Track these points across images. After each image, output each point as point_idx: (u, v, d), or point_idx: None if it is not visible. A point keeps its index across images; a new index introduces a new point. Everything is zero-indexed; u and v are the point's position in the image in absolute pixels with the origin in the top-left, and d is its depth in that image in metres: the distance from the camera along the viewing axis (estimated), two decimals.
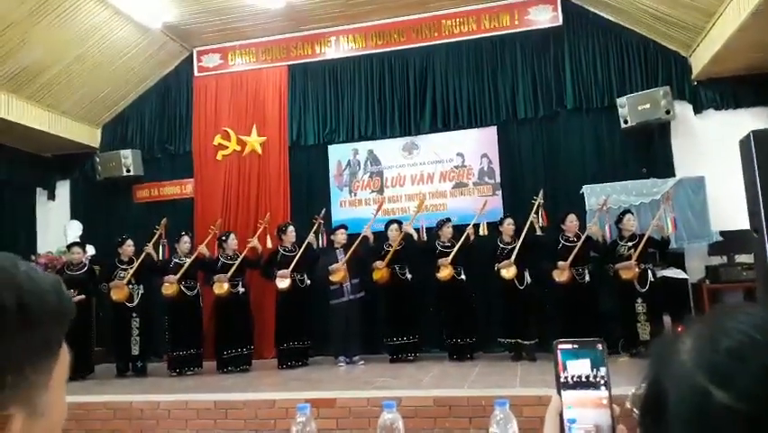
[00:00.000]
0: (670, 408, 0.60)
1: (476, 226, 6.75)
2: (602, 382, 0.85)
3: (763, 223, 3.38)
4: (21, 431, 0.53)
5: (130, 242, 7.01)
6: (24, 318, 0.53)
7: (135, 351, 6.76)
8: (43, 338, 0.55)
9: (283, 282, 6.72)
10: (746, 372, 0.56)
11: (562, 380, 0.85)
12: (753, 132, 3.47)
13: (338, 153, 8.09)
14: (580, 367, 0.86)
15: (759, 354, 0.56)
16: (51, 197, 9.00)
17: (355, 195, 8.00)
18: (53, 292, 0.58)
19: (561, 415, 0.84)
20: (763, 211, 3.37)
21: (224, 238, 7.02)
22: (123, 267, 6.86)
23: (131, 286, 6.82)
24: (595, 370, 0.86)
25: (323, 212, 7.19)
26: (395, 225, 6.99)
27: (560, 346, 0.87)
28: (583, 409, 0.84)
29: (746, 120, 6.78)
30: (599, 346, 0.87)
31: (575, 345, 0.88)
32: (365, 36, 8.06)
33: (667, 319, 6.31)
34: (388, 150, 7.93)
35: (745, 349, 0.57)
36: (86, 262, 7.15)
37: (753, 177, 3.43)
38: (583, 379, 0.85)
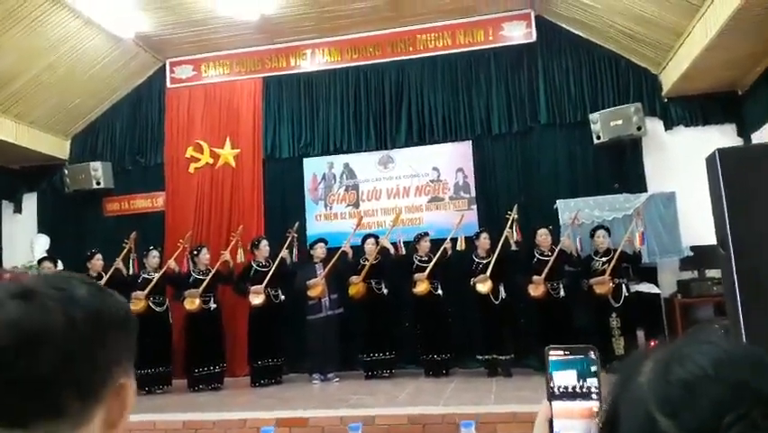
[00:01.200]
0: (621, 431, 0.61)
1: (453, 241, 6.74)
2: (593, 391, 0.82)
3: (730, 240, 3.40)
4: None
5: (99, 256, 6.85)
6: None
7: None
8: (133, 337, 0.80)
9: (257, 298, 6.62)
10: (693, 405, 0.56)
11: (551, 390, 0.83)
12: (718, 150, 3.50)
13: (313, 166, 8.03)
14: (566, 378, 0.83)
15: (708, 390, 0.56)
16: (18, 210, 8.76)
17: (331, 208, 7.94)
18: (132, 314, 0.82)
19: (551, 422, 0.81)
20: (729, 228, 3.40)
21: (195, 252, 6.90)
22: None
23: None
24: (582, 380, 0.83)
25: (296, 226, 7.11)
26: (371, 240, 6.95)
27: (551, 354, 0.85)
28: (571, 420, 0.81)
29: (715, 136, 6.93)
30: (592, 354, 0.85)
31: (566, 352, 0.85)
32: (340, 49, 8.05)
33: (641, 334, 6.37)
34: (364, 163, 7.90)
35: (696, 382, 0.57)
36: None
37: (719, 194, 3.45)
38: (570, 390, 0.83)
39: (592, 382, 0.82)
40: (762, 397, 0.55)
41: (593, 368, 0.83)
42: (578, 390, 0.82)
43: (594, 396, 0.82)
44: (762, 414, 0.53)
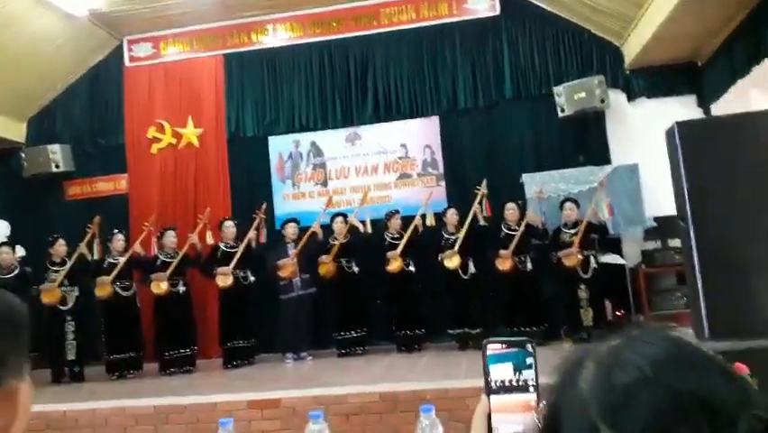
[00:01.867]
0: None
1: (423, 217, 6.75)
2: (530, 384, 0.83)
3: (689, 212, 3.47)
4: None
5: (61, 241, 6.68)
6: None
7: (71, 355, 6.46)
8: (22, 337, 0.76)
9: (224, 280, 6.56)
10: (634, 411, 0.53)
11: (489, 384, 0.83)
12: (677, 123, 3.54)
13: (279, 145, 7.93)
14: (503, 372, 0.84)
15: (647, 393, 0.54)
16: None
17: (298, 187, 7.87)
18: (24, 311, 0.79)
19: (489, 417, 0.82)
20: (687, 201, 3.46)
21: (161, 235, 6.79)
22: (55, 269, 6.54)
23: (63, 288, 6.50)
24: (518, 373, 0.83)
25: (263, 206, 7.03)
26: (340, 218, 6.93)
27: (488, 347, 0.85)
28: (509, 414, 0.82)
29: (677, 108, 7.02)
30: (528, 346, 0.85)
31: (503, 345, 0.85)
32: (303, 24, 7.90)
33: (608, 304, 6.51)
34: (331, 141, 7.83)
35: (635, 386, 0.55)
36: (17, 265, 6.78)
37: (678, 167, 3.51)
38: (507, 383, 0.83)
39: (529, 375, 0.83)
40: (704, 404, 0.52)
41: (529, 360, 0.84)
42: (515, 383, 0.83)
43: (531, 389, 0.82)
44: (710, 426, 0.51)
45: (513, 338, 0.86)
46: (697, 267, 3.51)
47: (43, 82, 8.02)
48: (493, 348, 0.84)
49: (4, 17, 6.65)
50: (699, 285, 3.47)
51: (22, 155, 8.10)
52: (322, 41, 7.84)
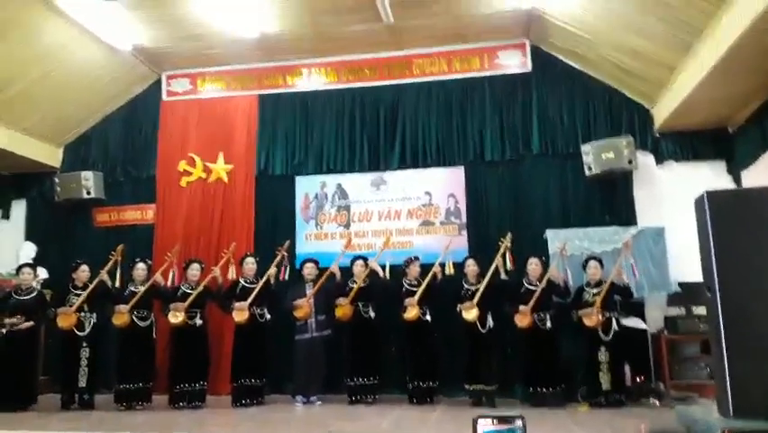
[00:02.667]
0: None
1: (442, 265, 6.70)
2: None
3: (716, 283, 3.40)
4: None
5: (84, 267, 6.75)
6: None
7: (82, 382, 6.44)
8: None
9: (239, 316, 6.55)
10: None
11: None
12: (707, 192, 3.51)
13: (305, 185, 8.02)
14: None
15: None
16: (6, 216, 8.69)
17: (321, 228, 7.92)
18: None
19: None
20: (715, 271, 3.40)
21: (186, 266, 6.84)
22: (77, 293, 6.60)
23: (82, 314, 6.54)
24: None
25: (286, 244, 7.07)
26: (360, 262, 6.91)
27: (479, 422, 0.83)
28: None
29: (706, 172, 6.99)
30: (519, 422, 0.83)
31: (495, 420, 0.83)
32: (337, 70, 8.09)
33: (627, 369, 6.33)
34: (357, 184, 7.90)
35: None
36: (37, 287, 6.87)
37: (706, 237, 3.46)
38: None
39: None
40: None
41: None
42: None
43: None
44: None
45: (504, 414, 0.85)
46: (723, 339, 3.41)
47: (82, 110, 8.29)
48: (484, 424, 0.83)
49: (52, 47, 6.94)
50: (725, 359, 3.37)
51: (56, 180, 8.31)
52: (354, 87, 8.00)
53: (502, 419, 0.83)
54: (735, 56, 5.10)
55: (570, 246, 6.65)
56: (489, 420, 0.82)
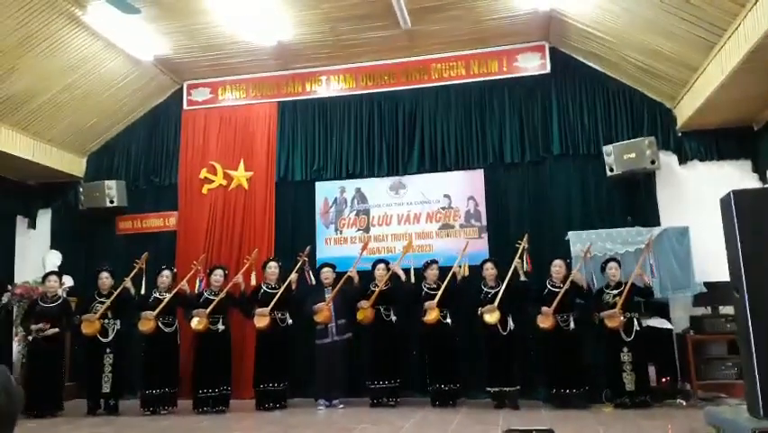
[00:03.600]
0: None
1: (459, 267, 6.68)
2: None
3: (744, 283, 3.36)
4: None
5: (106, 274, 6.85)
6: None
7: (106, 388, 6.54)
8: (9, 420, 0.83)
9: (261, 321, 6.59)
10: None
11: None
12: (733, 192, 3.47)
13: (325, 190, 8.07)
14: None
15: None
16: (32, 225, 8.85)
17: (341, 233, 7.95)
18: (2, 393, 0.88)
19: None
20: (743, 271, 3.35)
21: (210, 272, 6.91)
22: (101, 300, 6.70)
23: (106, 320, 6.64)
24: None
25: (307, 249, 7.10)
26: (382, 265, 6.93)
27: None
28: None
29: (730, 172, 6.90)
30: None
31: None
32: (355, 76, 8.13)
33: (652, 370, 6.26)
34: (376, 189, 7.92)
35: None
36: (62, 294, 6.99)
37: (733, 237, 3.42)
38: None
39: None
40: None
41: None
42: None
43: None
44: None
45: (533, 427, 0.85)
46: (752, 339, 3.37)
47: (105, 121, 8.43)
48: None
49: (75, 60, 7.08)
50: (755, 359, 3.32)
51: (81, 189, 8.45)
52: (373, 93, 8.04)
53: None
54: (757, 55, 5.05)
55: (593, 248, 6.59)
56: None
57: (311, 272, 6.98)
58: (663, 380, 6.38)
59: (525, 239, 6.54)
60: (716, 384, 6.28)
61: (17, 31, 6.27)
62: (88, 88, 7.61)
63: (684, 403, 6.05)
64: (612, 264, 6.39)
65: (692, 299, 6.63)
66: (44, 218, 8.85)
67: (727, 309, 6.18)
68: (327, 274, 6.95)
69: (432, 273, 6.76)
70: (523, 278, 6.44)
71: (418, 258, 7.12)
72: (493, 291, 6.42)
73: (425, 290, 6.67)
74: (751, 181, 6.76)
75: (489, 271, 6.57)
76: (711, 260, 5.94)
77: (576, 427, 5.17)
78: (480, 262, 6.79)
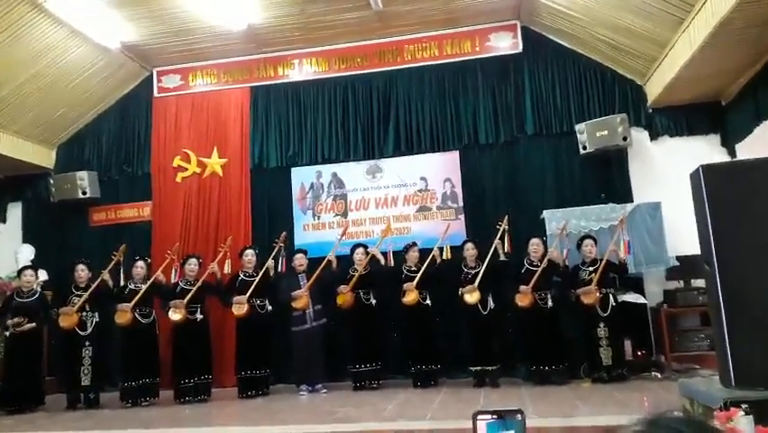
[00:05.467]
0: None
1: (440, 250, 6.73)
2: None
3: (714, 256, 3.43)
4: None
5: (81, 267, 6.74)
6: None
7: (86, 381, 6.46)
8: None
9: (239, 309, 6.57)
10: None
11: None
12: (702, 166, 3.52)
13: (301, 176, 8.02)
14: None
15: None
16: (2, 219, 8.67)
17: (319, 218, 7.93)
18: None
19: None
20: (713, 244, 3.42)
21: (183, 262, 6.85)
22: (78, 293, 6.61)
23: (84, 313, 6.56)
24: None
25: (283, 235, 7.07)
26: (360, 249, 6.93)
27: (479, 418, 0.85)
28: None
29: (701, 146, 7.01)
30: (519, 417, 0.85)
31: (494, 416, 0.85)
32: (328, 59, 8.05)
33: (628, 344, 6.39)
34: (352, 173, 7.90)
35: None
36: (38, 289, 6.88)
37: (702, 211, 3.47)
38: None
39: None
40: None
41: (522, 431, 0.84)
42: None
43: None
44: None
45: (503, 409, 0.86)
46: (723, 312, 3.45)
47: (74, 110, 8.25)
48: (483, 419, 0.84)
49: (41, 47, 6.89)
50: (726, 331, 3.41)
51: (51, 181, 8.30)
52: (346, 76, 7.98)
53: (502, 414, 0.84)
54: (725, 30, 5.10)
55: (568, 226, 6.67)
56: (488, 415, 0.84)
57: (284, 259, 6.96)
58: (639, 353, 6.52)
59: (505, 220, 6.58)
60: (689, 356, 6.43)
61: None
62: (55, 77, 7.43)
63: (659, 376, 6.20)
64: (588, 241, 6.47)
65: (665, 273, 6.76)
66: (15, 212, 8.68)
67: (700, 282, 6.30)
68: (302, 261, 6.93)
69: (413, 256, 6.79)
70: (503, 258, 6.50)
71: (396, 241, 7.15)
72: (473, 272, 6.48)
73: (405, 272, 6.70)
74: (720, 156, 6.87)
75: (470, 251, 6.62)
76: (683, 234, 6.02)
77: (555, 402, 5.27)
78: (460, 244, 6.83)
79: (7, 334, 6.58)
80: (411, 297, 6.50)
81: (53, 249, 8.19)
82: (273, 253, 6.87)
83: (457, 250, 6.79)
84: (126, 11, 6.80)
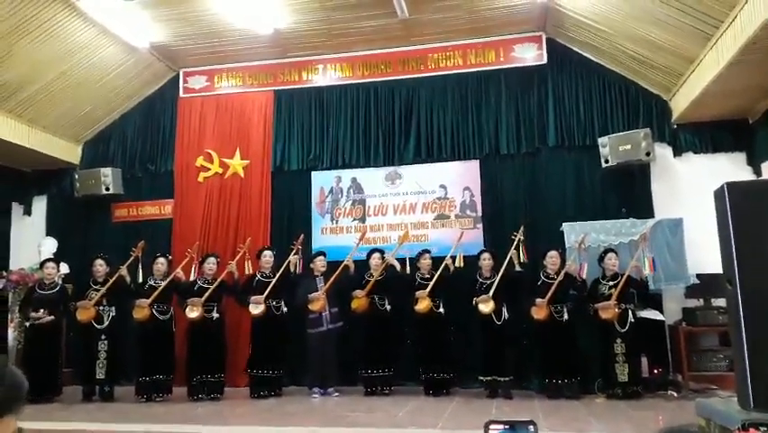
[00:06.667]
0: None
1: (453, 258, 6.72)
2: None
3: (737, 275, 3.38)
4: None
5: (100, 261, 6.84)
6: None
7: (100, 375, 6.55)
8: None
9: (256, 309, 6.62)
10: None
11: None
12: (726, 183, 3.47)
13: (321, 180, 8.06)
14: None
15: None
16: (28, 212, 8.83)
17: (337, 222, 7.96)
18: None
19: None
20: (736, 264, 3.37)
21: (202, 260, 6.92)
22: (96, 287, 6.71)
23: (101, 307, 6.65)
24: None
25: (301, 237, 7.12)
26: (377, 255, 6.95)
27: (491, 428, 0.85)
28: None
29: (725, 164, 6.92)
30: (531, 428, 0.85)
31: (507, 427, 0.85)
32: (352, 65, 8.11)
33: (644, 361, 6.31)
34: (372, 178, 7.92)
35: None
36: (59, 281, 6.99)
37: (726, 229, 3.43)
38: None
39: None
40: None
41: None
42: None
43: None
44: None
45: (515, 420, 0.86)
46: (744, 332, 3.39)
47: (101, 108, 8.39)
48: (495, 429, 0.85)
49: (70, 46, 7.03)
50: (746, 352, 3.35)
51: (76, 176, 8.44)
52: (369, 82, 8.02)
53: (514, 424, 0.84)
54: (754, 47, 5.04)
55: (587, 239, 6.62)
56: (501, 425, 0.84)
57: (302, 260, 6.99)
58: (655, 371, 6.42)
59: (520, 231, 6.55)
60: (707, 376, 6.33)
61: (11, 16, 6.23)
62: (83, 75, 7.57)
63: (675, 395, 6.10)
64: (611, 255, 6.39)
65: (685, 291, 6.67)
66: (40, 205, 8.84)
67: (720, 302, 6.23)
68: (322, 263, 6.96)
69: (425, 263, 6.79)
70: (518, 268, 6.47)
71: (413, 248, 7.14)
72: (488, 282, 6.45)
73: (418, 279, 6.70)
74: (745, 174, 6.79)
75: (486, 261, 6.59)
76: (704, 252, 5.96)
77: (568, 416, 5.22)
78: (476, 253, 6.81)
79: (27, 324, 6.70)
80: (424, 304, 6.49)
81: (75, 243, 8.32)
82: (292, 254, 6.90)
83: (473, 259, 6.76)
84: (156, 12, 6.92)
